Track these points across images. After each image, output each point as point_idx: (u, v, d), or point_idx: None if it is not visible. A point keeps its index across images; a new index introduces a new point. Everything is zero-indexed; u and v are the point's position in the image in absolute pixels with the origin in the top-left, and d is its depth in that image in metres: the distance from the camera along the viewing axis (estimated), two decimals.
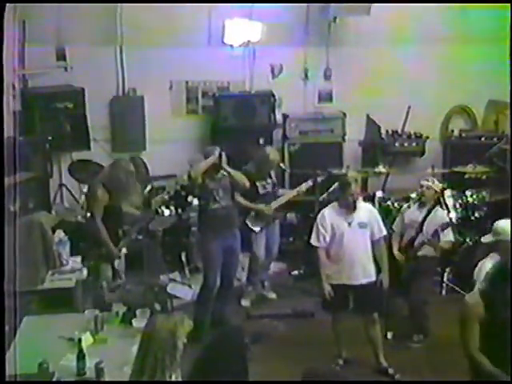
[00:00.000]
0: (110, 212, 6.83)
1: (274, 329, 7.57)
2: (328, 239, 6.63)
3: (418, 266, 7.14)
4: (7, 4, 4.18)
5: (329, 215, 6.67)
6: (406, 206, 7.85)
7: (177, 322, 4.23)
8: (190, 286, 8.31)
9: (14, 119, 7.36)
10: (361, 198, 6.90)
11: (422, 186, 7.44)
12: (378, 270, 6.65)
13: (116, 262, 6.79)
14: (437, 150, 10.51)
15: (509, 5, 8.38)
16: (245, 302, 8.23)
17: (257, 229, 8.07)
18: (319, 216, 6.80)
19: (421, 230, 7.15)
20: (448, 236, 7.20)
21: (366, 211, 6.69)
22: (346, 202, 6.62)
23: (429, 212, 7.20)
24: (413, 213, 7.45)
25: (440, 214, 7.32)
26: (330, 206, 6.83)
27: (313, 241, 6.73)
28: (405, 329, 7.26)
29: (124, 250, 7.09)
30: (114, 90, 9.73)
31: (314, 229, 6.75)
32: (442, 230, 7.08)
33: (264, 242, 8.17)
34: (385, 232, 6.79)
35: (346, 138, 10.16)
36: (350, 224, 6.57)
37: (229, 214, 7.30)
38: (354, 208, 6.60)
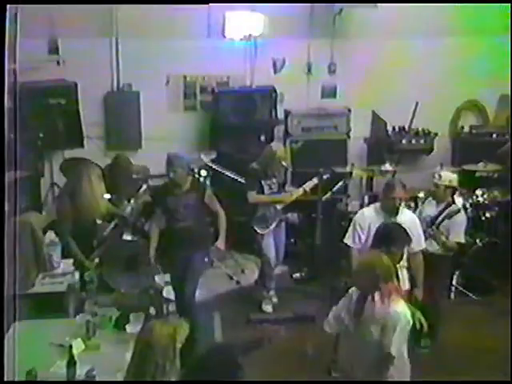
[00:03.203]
0: (79, 223, 6.87)
1: (274, 333, 7.55)
2: (363, 240, 6.55)
3: (427, 265, 7.05)
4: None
5: (369, 215, 6.62)
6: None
7: (176, 326, 4.21)
8: None
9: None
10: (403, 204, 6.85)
11: (434, 178, 7.43)
12: None
13: (86, 275, 6.76)
14: (446, 148, 10.50)
15: (509, 5, 8.47)
16: (266, 308, 8.18)
17: (263, 231, 8.04)
18: (358, 214, 6.78)
19: (432, 224, 7.10)
20: (458, 236, 7.15)
21: (408, 220, 6.52)
22: (387, 205, 6.58)
23: (446, 207, 7.17)
24: (429, 208, 7.40)
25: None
26: (371, 206, 6.82)
27: (347, 239, 6.67)
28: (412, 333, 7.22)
29: (96, 261, 7.11)
30: (108, 85, 9.71)
31: (351, 227, 6.70)
32: (449, 218, 7.03)
33: (273, 243, 8.13)
34: (424, 245, 6.70)
35: (351, 134, 10.14)
36: None
37: (190, 235, 7.06)
38: (396, 213, 6.54)
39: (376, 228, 6.01)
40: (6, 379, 4.25)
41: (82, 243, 7.03)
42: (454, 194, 7.52)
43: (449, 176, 7.42)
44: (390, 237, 5.65)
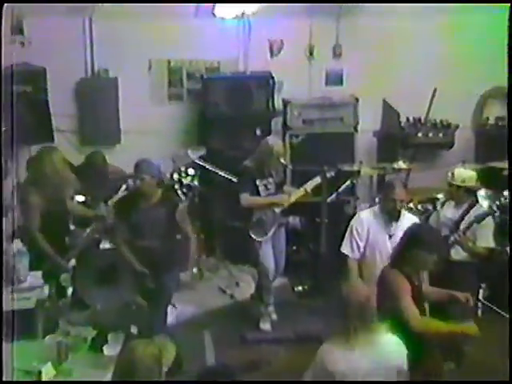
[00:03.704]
0: (49, 217, 6.79)
1: (273, 356, 7.47)
2: (362, 249, 6.66)
3: (452, 274, 6.98)
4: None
5: (367, 220, 6.72)
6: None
7: (160, 347, 4.26)
8: (173, 306, 8.20)
9: None
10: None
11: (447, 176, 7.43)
12: None
13: (62, 277, 6.67)
14: (469, 142, 10.52)
15: (509, 5, 8.63)
16: (264, 325, 8.13)
17: (261, 238, 7.96)
18: (355, 219, 6.86)
19: (457, 229, 7.07)
20: (486, 240, 7.13)
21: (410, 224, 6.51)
22: (387, 208, 6.63)
23: (468, 209, 7.15)
24: (449, 210, 7.42)
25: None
26: (369, 209, 6.93)
27: (344, 248, 6.76)
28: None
29: (73, 262, 7.09)
30: (81, 70, 9.67)
31: (347, 234, 6.79)
32: (478, 222, 7.02)
33: (272, 251, 8.08)
34: None
35: (359, 127, 10.12)
36: (390, 237, 6.58)
37: (157, 256, 6.96)
38: (398, 216, 6.59)
39: (405, 229, 5.94)
40: None
41: (54, 243, 6.97)
42: (470, 193, 7.48)
43: (463, 174, 7.45)
44: (420, 239, 5.56)
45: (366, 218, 6.78)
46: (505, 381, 5.52)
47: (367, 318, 4.79)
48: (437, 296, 5.99)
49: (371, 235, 6.66)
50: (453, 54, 10.14)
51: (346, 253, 6.77)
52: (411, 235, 5.65)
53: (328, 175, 8.33)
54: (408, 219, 6.71)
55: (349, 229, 6.84)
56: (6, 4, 4.88)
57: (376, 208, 6.88)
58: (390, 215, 6.64)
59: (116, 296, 7.13)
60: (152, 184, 6.94)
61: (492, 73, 10.13)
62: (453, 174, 7.42)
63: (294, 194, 8.13)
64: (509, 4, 8.62)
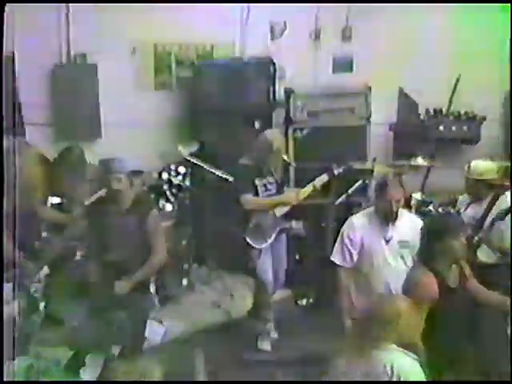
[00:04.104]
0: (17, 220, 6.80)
1: (273, 379, 7.44)
2: (355, 257, 6.67)
3: (480, 278, 6.93)
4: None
5: (359, 225, 6.73)
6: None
7: (144, 368, 4.27)
8: (160, 322, 8.18)
9: None
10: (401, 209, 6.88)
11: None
12: None
13: (33, 288, 6.63)
14: (496, 136, 10.50)
15: (509, 5, 9.12)
16: (263, 344, 8.09)
17: (260, 244, 7.92)
18: (346, 225, 6.85)
19: (481, 227, 7.10)
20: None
21: (409, 225, 6.63)
22: (382, 210, 6.64)
23: (491, 205, 7.17)
24: (471, 209, 7.46)
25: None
26: (362, 212, 6.90)
27: (334, 257, 6.78)
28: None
29: (46, 270, 7.01)
30: (56, 55, 9.62)
31: (338, 241, 6.80)
32: (501, 218, 7.03)
33: (270, 261, 8.05)
34: None
35: (372, 119, 10.08)
36: (387, 241, 6.61)
37: (127, 270, 6.94)
38: (394, 219, 6.61)
39: (421, 226, 6.09)
40: None
41: (21, 248, 6.93)
42: (491, 188, 7.49)
43: (481, 166, 7.50)
44: (440, 227, 5.80)
45: (358, 223, 6.79)
46: (505, 381, 5.80)
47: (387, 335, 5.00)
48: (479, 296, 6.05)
49: (365, 241, 6.68)
50: (477, 38, 10.13)
51: (337, 262, 6.78)
52: (431, 228, 5.86)
53: (336, 172, 8.29)
54: (407, 219, 6.78)
55: (340, 235, 6.86)
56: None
57: (370, 210, 6.89)
58: (386, 218, 6.66)
59: (94, 312, 7.11)
60: (127, 185, 6.94)
61: None
62: (469, 166, 7.48)
63: (302, 192, 8.09)
64: (509, 4, 9.16)
